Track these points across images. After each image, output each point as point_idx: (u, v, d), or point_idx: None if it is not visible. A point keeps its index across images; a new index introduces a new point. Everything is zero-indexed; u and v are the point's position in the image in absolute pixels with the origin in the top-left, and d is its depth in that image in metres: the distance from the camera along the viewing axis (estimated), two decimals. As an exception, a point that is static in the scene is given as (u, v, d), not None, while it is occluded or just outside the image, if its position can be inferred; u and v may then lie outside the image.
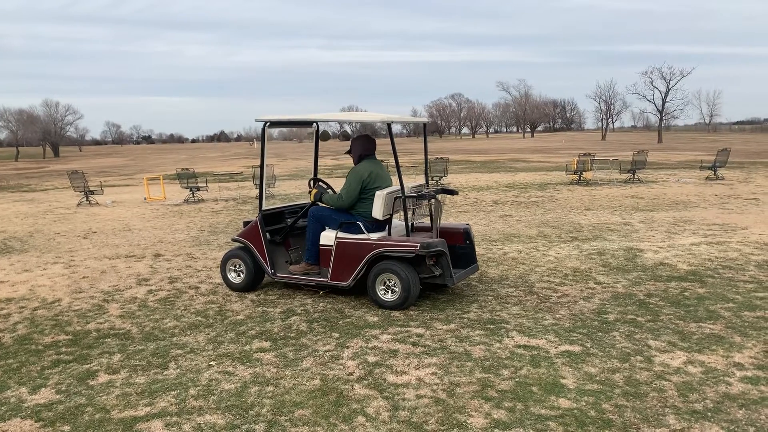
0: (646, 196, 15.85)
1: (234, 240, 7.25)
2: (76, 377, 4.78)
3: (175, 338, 5.63)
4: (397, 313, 6.10)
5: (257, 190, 18.50)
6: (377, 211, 6.41)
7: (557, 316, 5.92)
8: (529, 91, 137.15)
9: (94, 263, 9.07)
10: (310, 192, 7.02)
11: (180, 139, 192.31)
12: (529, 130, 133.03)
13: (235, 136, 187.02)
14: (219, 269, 7.76)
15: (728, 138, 72.11)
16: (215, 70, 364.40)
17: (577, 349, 5.04)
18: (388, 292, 6.24)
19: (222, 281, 7.47)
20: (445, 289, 6.90)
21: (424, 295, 6.67)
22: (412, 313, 6.11)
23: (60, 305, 6.84)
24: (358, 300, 6.60)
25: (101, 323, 6.14)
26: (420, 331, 5.57)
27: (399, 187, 6.34)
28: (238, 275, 7.14)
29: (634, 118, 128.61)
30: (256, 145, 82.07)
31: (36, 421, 4.06)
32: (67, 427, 3.97)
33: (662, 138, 73.26)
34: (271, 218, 7.10)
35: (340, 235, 6.46)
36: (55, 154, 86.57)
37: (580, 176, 20.00)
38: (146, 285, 7.64)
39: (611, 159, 23.49)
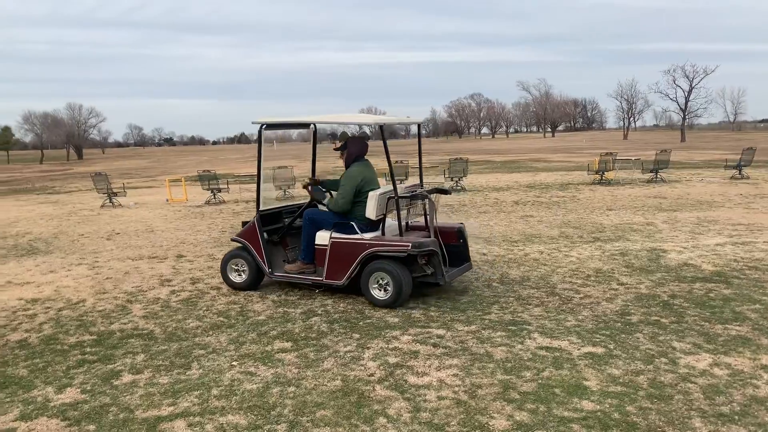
0: (669, 195, 15.65)
1: (233, 240, 7.41)
2: (100, 377, 4.84)
3: (197, 338, 5.67)
4: (417, 314, 6.09)
5: (278, 191, 18.59)
6: (371, 212, 6.54)
7: (580, 317, 5.87)
8: (550, 90, 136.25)
9: (117, 264, 9.17)
10: (308, 190, 7.13)
11: (201, 141, 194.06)
12: (549, 129, 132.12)
13: (255, 137, 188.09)
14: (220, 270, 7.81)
15: (753, 136, 70.88)
16: (235, 73, 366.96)
17: (600, 350, 4.99)
18: (381, 290, 6.36)
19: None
20: (466, 291, 6.88)
21: (444, 296, 6.67)
22: (432, 314, 6.10)
23: (84, 306, 6.93)
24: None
25: (125, 324, 6.21)
26: (441, 332, 5.56)
27: (392, 188, 6.45)
28: (240, 275, 7.28)
29: (657, 117, 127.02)
30: (276, 146, 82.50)
31: (62, 420, 4.12)
32: (92, 427, 4.02)
33: (685, 137, 72.34)
34: (269, 218, 7.24)
35: (335, 235, 6.61)
36: (79, 156, 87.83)
37: (602, 176, 19.81)
38: (169, 286, 7.71)
39: (633, 158, 23.25)
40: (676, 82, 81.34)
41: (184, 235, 11.82)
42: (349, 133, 7.31)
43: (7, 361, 5.28)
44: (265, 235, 7.05)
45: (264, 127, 6.96)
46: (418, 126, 7.93)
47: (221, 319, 6.24)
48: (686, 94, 78.78)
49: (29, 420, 4.15)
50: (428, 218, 6.79)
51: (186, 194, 20.08)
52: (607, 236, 10.10)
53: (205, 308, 6.64)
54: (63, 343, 5.70)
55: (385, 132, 6.76)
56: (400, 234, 6.51)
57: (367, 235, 6.48)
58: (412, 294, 6.74)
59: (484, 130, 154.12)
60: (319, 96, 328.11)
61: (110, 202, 18.09)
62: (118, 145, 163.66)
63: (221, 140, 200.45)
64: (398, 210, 6.42)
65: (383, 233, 6.54)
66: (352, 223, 6.61)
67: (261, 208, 7.12)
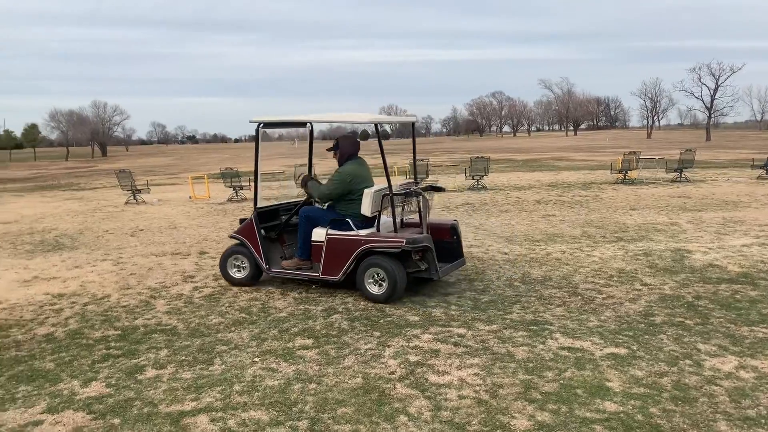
0: (693, 195, 15.44)
1: (231, 237, 7.52)
2: (125, 371, 4.90)
3: (220, 334, 5.72)
4: (438, 313, 6.09)
5: (299, 189, 18.66)
6: (366, 208, 6.65)
7: (602, 317, 5.82)
8: (572, 88, 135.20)
9: (141, 260, 9.29)
10: (304, 188, 7.27)
11: (223, 139, 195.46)
12: (572, 128, 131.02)
13: (276, 135, 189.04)
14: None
15: (781, 136, 69.63)
16: (257, 71, 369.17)
17: (623, 351, 4.94)
18: (376, 285, 6.48)
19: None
20: (487, 290, 6.86)
21: (465, 296, 6.66)
22: (453, 313, 6.09)
23: (109, 301, 7.03)
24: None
25: (149, 319, 6.29)
26: (461, 331, 5.54)
27: (387, 185, 6.54)
28: (239, 270, 7.39)
29: (681, 116, 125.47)
30: (297, 144, 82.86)
31: (87, 414, 4.19)
32: (116, 420, 4.07)
33: (710, 136, 71.33)
34: (266, 215, 7.36)
35: (331, 231, 6.73)
36: (103, 153, 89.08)
37: (625, 175, 19.61)
38: (192, 282, 7.79)
39: (657, 158, 22.96)
40: (702, 80, 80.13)
41: (207, 232, 11.92)
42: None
43: (34, 354, 5.38)
44: (262, 232, 7.19)
45: (261, 126, 7.13)
46: (413, 125, 8.12)
47: (243, 315, 6.29)
48: (712, 92, 77.60)
49: (56, 413, 4.22)
50: (422, 215, 6.87)
51: (208, 191, 20.25)
52: (631, 236, 9.99)
53: (227, 304, 6.70)
54: (88, 337, 5.79)
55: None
56: (395, 230, 6.63)
57: (363, 232, 6.62)
58: (433, 293, 6.75)
59: (506, 128, 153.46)
60: (339, 94, 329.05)
61: (134, 198, 18.31)
62: (142, 142, 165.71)
63: (243, 138, 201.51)
64: (393, 207, 6.55)
65: (378, 230, 6.68)
66: (348, 220, 6.74)
67: (258, 206, 7.27)
